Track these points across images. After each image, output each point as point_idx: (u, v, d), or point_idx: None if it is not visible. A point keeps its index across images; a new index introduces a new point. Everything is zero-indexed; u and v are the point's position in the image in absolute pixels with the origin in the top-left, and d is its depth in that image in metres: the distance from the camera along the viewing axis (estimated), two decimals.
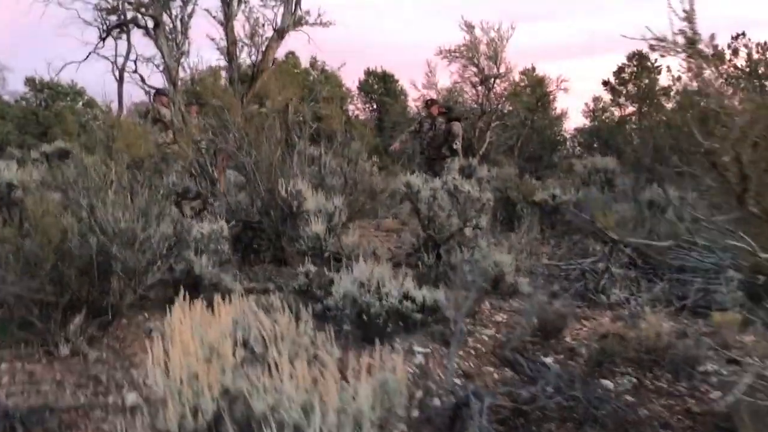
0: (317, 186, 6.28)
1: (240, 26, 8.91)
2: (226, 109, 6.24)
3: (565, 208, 8.09)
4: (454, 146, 11.95)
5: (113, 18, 9.36)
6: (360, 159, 6.29)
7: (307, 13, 8.87)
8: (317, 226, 5.15)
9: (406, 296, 4.23)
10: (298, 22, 8.81)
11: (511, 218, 8.60)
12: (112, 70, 9.19)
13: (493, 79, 16.59)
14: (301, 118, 6.47)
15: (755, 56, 23.73)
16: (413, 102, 22.81)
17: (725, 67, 24.37)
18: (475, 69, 16.68)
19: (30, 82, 17.19)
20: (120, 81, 9.21)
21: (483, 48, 16.27)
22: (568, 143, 27.74)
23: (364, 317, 4.06)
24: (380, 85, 24.94)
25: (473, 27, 16.32)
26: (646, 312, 4.50)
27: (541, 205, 8.19)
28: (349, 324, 4.12)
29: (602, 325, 4.69)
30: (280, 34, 8.76)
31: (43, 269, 3.78)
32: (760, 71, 23.56)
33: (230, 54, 8.83)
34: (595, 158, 11.35)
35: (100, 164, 4.14)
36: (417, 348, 4.06)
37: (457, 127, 12.03)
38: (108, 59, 9.26)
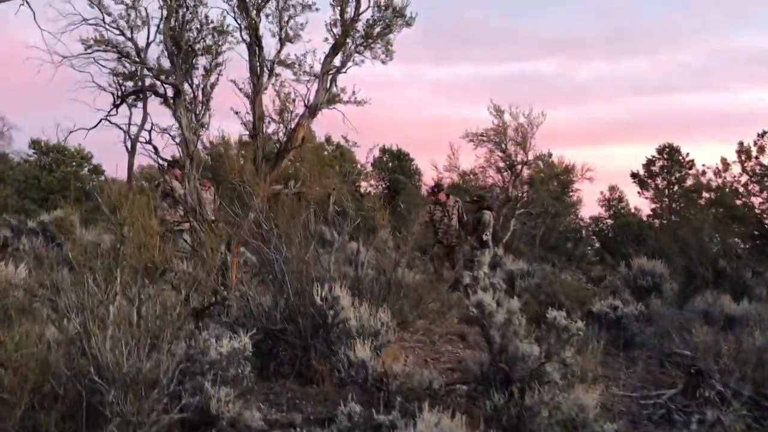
0: (354, 290, 5.32)
1: (268, 100, 8.12)
2: (251, 190, 5.35)
3: (629, 322, 7.09)
4: (485, 237, 11.02)
5: (129, 84, 8.62)
6: (403, 259, 5.36)
7: (343, 90, 8.13)
8: (362, 350, 4.16)
9: None
10: (333, 100, 8.05)
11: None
12: (124, 140, 8.36)
13: (520, 166, 15.91)
14: (339, 209, 5.58)
15: None
16: (427, 183, 22.05)
17: (751, 164, 23.81)
18: (501, 154, 16.04)
19: (35, 143, 16.38)
20: (132, 152, 8.38)
21: (510, 133, 15.69)
22: (583, 232, 26.93)
23: None
24: (395, 164, 24.33)
25: (502, 111, 15.76)
26: None
27: (599, 316, 7.19)
28: None
29: None
30: (312, 111, 7.98)
31: (12, 417, 2.78)
32: None
33: (256, 129, 8.02)
34: (641, 260, 10.39)
35: (101, 270, 3.20)
36: None
37: (488, 216, 11.13)
38: (120, 128, 8.43)
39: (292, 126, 8.15)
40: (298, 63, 8.06)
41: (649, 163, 19.09)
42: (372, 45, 7.93)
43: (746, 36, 38.44)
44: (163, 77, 8.06)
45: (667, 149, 19.23)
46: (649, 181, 18.85)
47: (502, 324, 4.18)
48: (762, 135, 24.06)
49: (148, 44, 8.41)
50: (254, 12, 7.95)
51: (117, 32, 7.98)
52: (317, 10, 8.22)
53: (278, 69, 8.11)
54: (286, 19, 7.93)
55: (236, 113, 8.50)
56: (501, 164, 16.17)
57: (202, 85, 8.99)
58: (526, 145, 15.68)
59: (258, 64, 7.87)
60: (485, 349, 4.92)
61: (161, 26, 8.22)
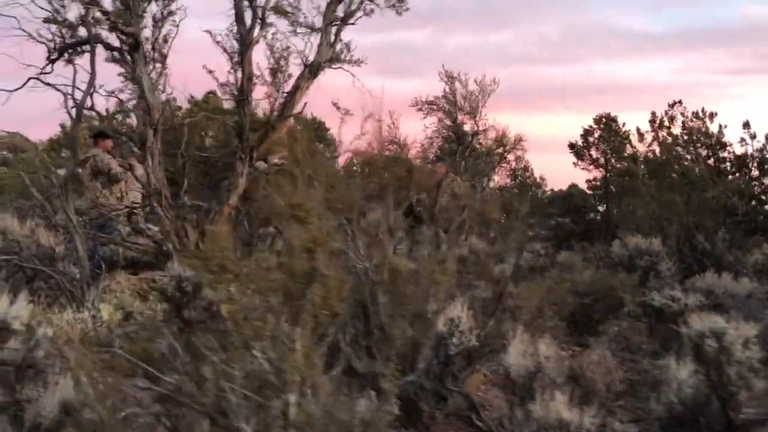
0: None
1: (259, 57, 6.55)
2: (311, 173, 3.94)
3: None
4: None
5: (70, 33, 6.69)
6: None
7: (347, 45, 6.68)
8: (565, 408, 2.93)
9: None
10: (337, 57, 6.60)
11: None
12: (65, 105, 6.48)
13: (470, 137, 14.95)
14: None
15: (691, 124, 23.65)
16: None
17: (663, 134, 24.23)
18: (452, 124, 15.00)
19: None
20: (77, 120, 6.56)
21: (460, 100, 14.67)
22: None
23: None
24: (311, 134, 22.72)
25: (454, 77, 14.66)
26: None
27: (660, 310, 6.31)
28: None
29: None
30: (313, 71, 6.50)
31: None
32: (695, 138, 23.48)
33: (244, 92, 6.45)
34: (636, 238, 9.73)
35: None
36: None
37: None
38: (58, 89, 6.53)
39: (288, 89, 6.66)
40: (295, 10, 6.52)
41: (587, 133, 18.81)
42: None
43: (602, 12, 39.86)
44: (121, 25, 6.28)
45: (604, 119, 18.99)
46: (585, 151, 18.60)
47: (739, 359, 3.10)
48: (672, 105, 24.53)
49: None
50: None
51: None
52: None
53: (271, 18, 6.54)
54: None
55: (210, 72, 6.87)
56: (450, 134, 15.20)
57: (153, 39, 7.27)
58: (477, 114, 14.80)
59: (251, 9, 6.28)
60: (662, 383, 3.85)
61: None
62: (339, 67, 6.62)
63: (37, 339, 2.96)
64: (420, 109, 14.85)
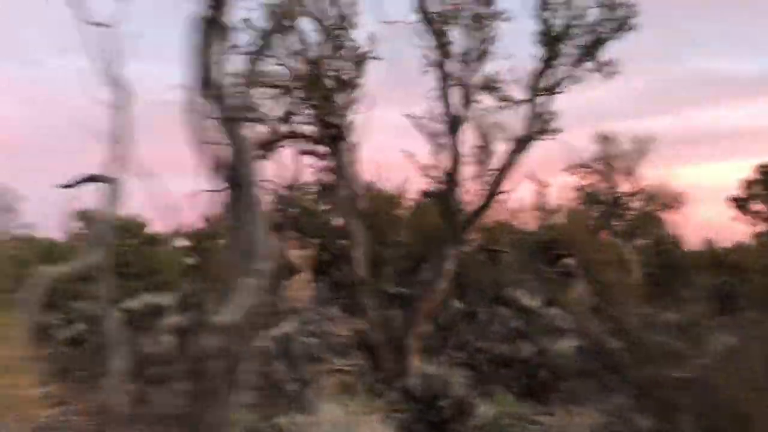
0: None
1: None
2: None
3: None
4: None
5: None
6: None
7: (553, 115, 6.34)
8: None
9: None
10: (545, 129, 6.26)
11: None
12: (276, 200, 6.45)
13: (627, 199, 14.21)
14: None
15: None
16: None
17: None
18: (607, 186, 14.29)
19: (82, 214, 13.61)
20: (289, 209, 6.52)
21: (617, 162, 13.99)
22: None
23: None
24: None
25: (609, 138, 14.03)
26: None
27: None
28: None
29: None
30: (522, 144, 6.18)
31: None
32: None
33: (452, 176, 6.19)
34: None
35: None
36: None
37: None
38: None
39: (494, 166, 6.36)
40: (501, 85, 6.27)
41: (748, 184, 17.53)
42: (595, 54, 6.16)
43: (698, 60, 37.77)
44: (330, 118, 6.24)
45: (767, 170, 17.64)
46: (747, 204, 17.27)
47: None
48: None
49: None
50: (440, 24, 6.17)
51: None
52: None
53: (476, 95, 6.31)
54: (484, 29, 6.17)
55: (410, 156, 6.67)
56: (603, 197, 14.44)
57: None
58: (633, 174, 14.04)
59: (462, 88, 6.07)
60: None
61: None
62: (551, 138, 6.26)
63: None
64: (574, 173, 14.26)
